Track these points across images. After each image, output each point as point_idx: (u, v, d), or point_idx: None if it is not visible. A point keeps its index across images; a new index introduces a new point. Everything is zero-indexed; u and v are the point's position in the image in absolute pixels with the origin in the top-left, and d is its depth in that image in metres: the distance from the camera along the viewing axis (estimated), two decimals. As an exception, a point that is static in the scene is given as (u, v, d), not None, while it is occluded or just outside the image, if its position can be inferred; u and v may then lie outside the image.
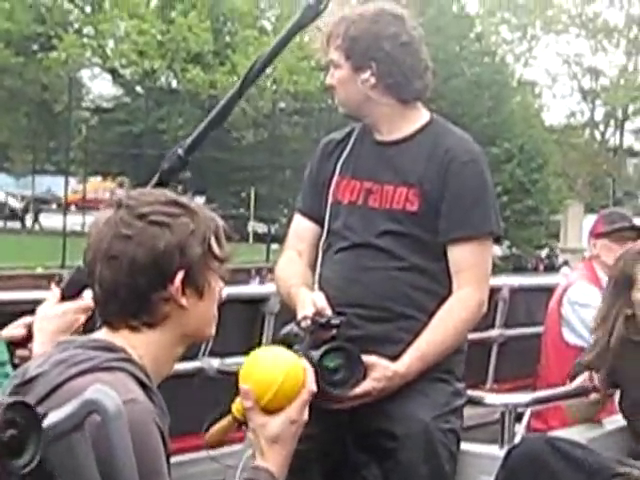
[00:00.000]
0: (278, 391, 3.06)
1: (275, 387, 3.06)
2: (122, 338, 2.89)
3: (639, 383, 4.99)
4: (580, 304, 6.34)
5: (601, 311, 5.10)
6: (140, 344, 2.87)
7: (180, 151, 4.08)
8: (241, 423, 3.19)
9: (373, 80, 4.38)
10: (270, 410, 3.07)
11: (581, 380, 5.05)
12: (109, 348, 2.81)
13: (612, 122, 52.76)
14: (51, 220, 50.20)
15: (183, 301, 2.90)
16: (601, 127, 54.11)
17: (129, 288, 2.85)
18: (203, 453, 4.27)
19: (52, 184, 55.19)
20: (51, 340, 3.16)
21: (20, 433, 2.24)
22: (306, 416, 3.14)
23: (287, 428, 3.09)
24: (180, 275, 2.89)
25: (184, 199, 3.07)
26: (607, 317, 4.99)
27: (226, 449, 3.90)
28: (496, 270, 6.79)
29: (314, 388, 3.18)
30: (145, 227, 2.89)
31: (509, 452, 4.36)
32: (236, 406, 3.16)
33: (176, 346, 3.06)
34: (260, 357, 3.26)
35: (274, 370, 3.12)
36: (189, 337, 3.10)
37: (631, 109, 50.41)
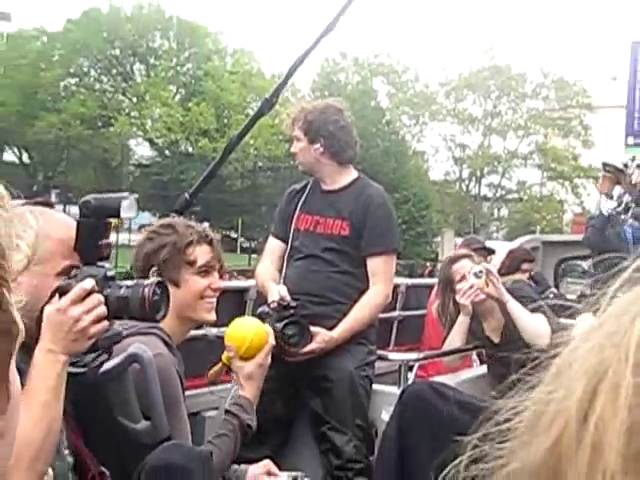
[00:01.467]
0: (250, 344, 3.32)
1: (248, 342, 3.33)
2: None
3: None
4: None
5: (439, 300, 5.14)
6: None
7: (187, 195, 4.70)
8: (228, 367, 3.38)
9: (322, 149, 4.49)
10: (245, 358, 3.32)
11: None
12: None
13: (473, 179, 53.07)
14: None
15: None
16: (466, 182, 54.38)
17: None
18: (205, 389, 4.31)
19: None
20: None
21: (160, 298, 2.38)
22: (269, 361, 3.38)
23: (257, 369, 3.32)
24: (153, 269, 3.17)
25: (179, 223, 3.39)
26: (443, 303, 5.04)
27: (220, 387, 4.01)
28: (397, 274, 6.77)
29: (273, 342, 3.44)
30: (143, 240, 3.33)
31: (403, 391, 4.38)
32: (225, 356, 3.38)
33: (183, 325, 3.30)
34: (237, 323, 3.51)
35: (247, 331, 3.39)
36: (187, 318, 3.30)
37: (486, 170, 50.74)
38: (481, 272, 4.68)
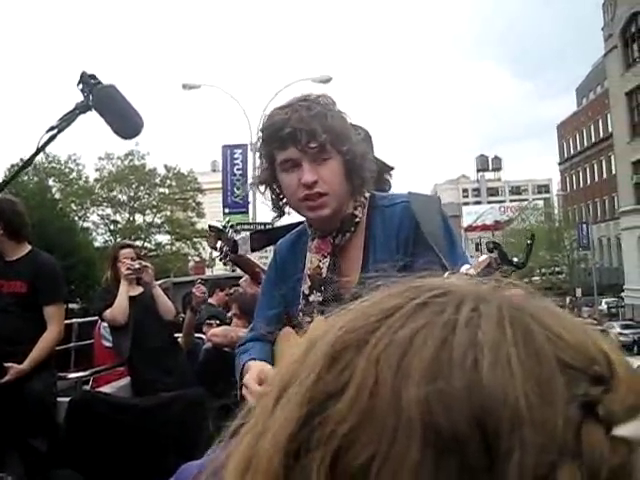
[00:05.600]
0: None
1: None
2: None
3: None
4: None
5: None
6: None
7: None
8: None
9: (1, 231, 4.08)
10: None
11: None
12: None
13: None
14: None
15: None
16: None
17: None
18: None
19: None
20: None
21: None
22: None
23: None
24: None
25: None
26: None
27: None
28: (74, 315, 6.47)
29: None
30: None
31: (70, 401, 4.17)
32: None
33: None
34: None
35: None
36: None
37: (133, 238, 49.81)
38: None
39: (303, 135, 1.73)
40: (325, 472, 0.39)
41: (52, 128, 1.74)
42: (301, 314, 1.88)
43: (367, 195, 1.92)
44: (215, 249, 3.03)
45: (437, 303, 0.43)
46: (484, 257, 1.37)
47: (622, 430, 0.38)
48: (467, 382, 0.38)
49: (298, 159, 1.76)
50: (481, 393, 0.38)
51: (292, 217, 2.05)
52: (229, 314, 5.15)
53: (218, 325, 5.00)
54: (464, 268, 1.38)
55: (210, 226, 3.03)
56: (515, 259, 1.33)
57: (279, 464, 0.41)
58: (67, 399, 4.32)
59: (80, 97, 1.74)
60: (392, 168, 3.00)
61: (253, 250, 2.80)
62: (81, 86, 1.74)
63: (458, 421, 0.37)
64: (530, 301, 0.45)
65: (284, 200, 1.90)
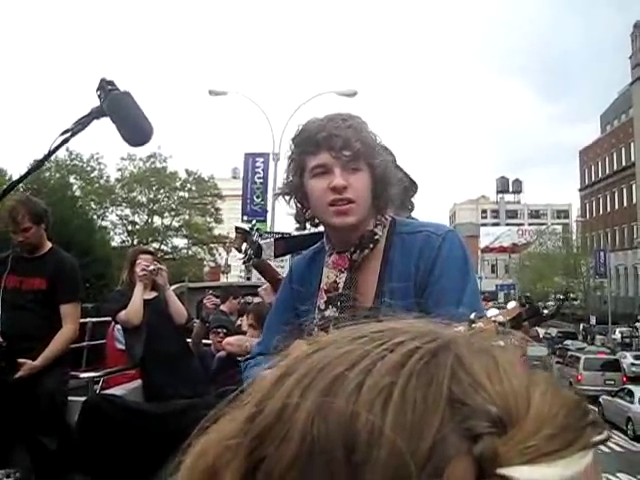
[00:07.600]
0: None
1: None
2: None
3: None
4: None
5: None
6: None
7: None
8: None
9: (45, 226, 4.09)
10: None
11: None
12: None
13: (141, 245, 52.05)
14: None
15: None
16: (137, 247, 53.34)
17: None
18: None
19: None
20: None
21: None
22: None
23: None
24: None
25: None
26: None
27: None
28: (87, 314, 6.49)
29: None
30: None
31: (85, 402, 4.13)
32: None
33: None
34: None
35: None
36: None
37: (150, 239, 50.00)
38: None
39: (338, 141, 1.74)
40: (243, 466, 0.44)
41: (66, 131, 1.73)
42: (315, 329, 1.87)
43: (389, 217, 1.91)
44: (240, 251, 3.03)
45: (371, 337, 0.47)
46: (514, 305, 1.37)
47: (507, 471, 0.40)
48: (345, 401, 0.42)
49: (330, 165, 1.76)
50: (351, 412, 0.42)
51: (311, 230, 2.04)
52: (243, 323, 5.11)
53: (225, 334, 4.96)
54: (491, 313, 1.37)
55: (237, 227, 3.04)
56: (546, 311, 1.34)
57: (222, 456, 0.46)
58: (78, 398, 4.31)
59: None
60: (417, 187, 2.99)
61: (276, 256, 2.79)
62: (99, 92, 1.74)
63: (328, 434, 0.41)
64: (475, 345, 0.46)
65: (308, 212, 1.88)
